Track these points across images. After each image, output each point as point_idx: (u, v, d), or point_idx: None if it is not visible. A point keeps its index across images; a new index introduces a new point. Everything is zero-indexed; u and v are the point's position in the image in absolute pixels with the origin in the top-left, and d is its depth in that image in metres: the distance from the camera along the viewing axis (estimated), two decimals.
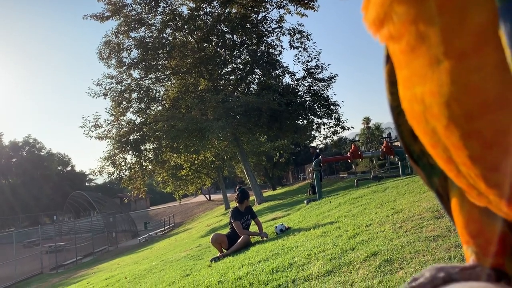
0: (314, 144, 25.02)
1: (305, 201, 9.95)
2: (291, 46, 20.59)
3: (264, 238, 5.97)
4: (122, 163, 20.72)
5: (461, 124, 0.32)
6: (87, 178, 62.89)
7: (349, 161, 12.28)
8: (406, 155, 0.48)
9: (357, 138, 38.58)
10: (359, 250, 3.42)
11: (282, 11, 20.29)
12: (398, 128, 0.46)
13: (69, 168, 63.19)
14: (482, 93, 0.31)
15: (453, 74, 0.32)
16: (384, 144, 10.11)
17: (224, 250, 5.89)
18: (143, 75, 20.86)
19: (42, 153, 58.47)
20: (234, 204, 6.46)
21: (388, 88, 0.44)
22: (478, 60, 0.31)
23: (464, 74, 0.31)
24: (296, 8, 19.78)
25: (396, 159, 10.68)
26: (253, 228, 6.60)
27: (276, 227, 6.30)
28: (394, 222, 4.08)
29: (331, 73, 20.88)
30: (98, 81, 20.31)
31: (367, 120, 59.22)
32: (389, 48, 0.39)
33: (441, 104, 0.33)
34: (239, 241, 5.81)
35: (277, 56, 20.97)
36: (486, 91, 0.30)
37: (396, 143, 16.56)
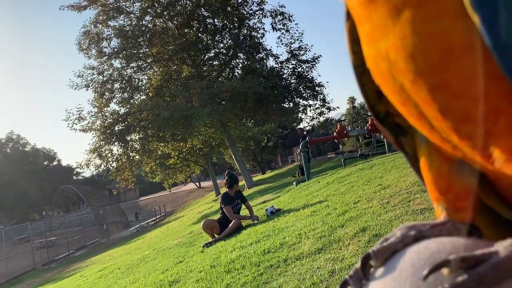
0: (301, 126, 25.07)
1: (294, 183, 10.02)
2: (274, 28, 20.44)
3: (255, 221, 6.00)
4: (109, 155, 20.52)
5: (427, 77, 0.31)
6: (75, 172, 62.35)
7: (336, 141, 12.35)
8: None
9: (343, 118, 38.75)
10: (348, 227, 3.46)
11: None
12: (362, 88, 0.44)
13: (55, 163, 62.51)
14: (445, 42, 0.29)
15: (414, 24, 0.30)
16: (369, 122, 10.18)
17: (216, 235, 5.92)
18: (124, 65, 20.56)
19: (26, 149, 57.67)
20: (224, 190, 6.48)
21: (350, 47, 0.42)
22: (437, 6, 0.29)
23: (425, 23, 0.30)
24: None
25: (382, 136, 10.78)
26: (244, 212, 6.63)
27: (266, 209, 6.34)
28: (381, 198, 4.13)
29: (315, 54, 20.84)
30: (79, 72, 19.96)
31: (352, 99, 59.56)
32: (348, 2, 0.38)
33: (406, 58, 0.32)
34: (230, 225, 5.84)
35: (260, 39, 20.83)
36: (448, 39, 0.29)
37: None
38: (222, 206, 6.18)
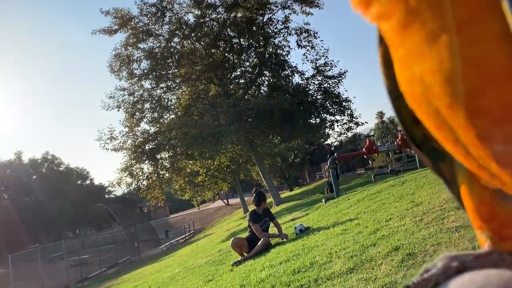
0: (328, 141, 24.88)
1: (323, 200, 9.90)
2: (299, 46, 20.57)
3: (284, 240, 5.95)
4: (139, 173, 20.95)
5: (466, 102, 0.30)
6: (106, 190, 63.64)
7: (365, 156, 12.19)
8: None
9: (372, 133, 38.25)
10: (380, 245, 3.38)
11: (287, 11, 20.30)
12: (398, 112, 0.43)
13: (88, 182, 64.05)
14: (486, 66, 0.28)
15: (453, 48, 0.29)
16: (399, 137, 10.01)
17: (245, 253, 5.90)
18: (154, 85, 21.10)
19: (61, 169, 59.42)
20: (252, 207, 6.46)
21: (384, 71, 0.41)
22: (478, 30, 0.28)
23: (464, 47, 0.29)
24: (301, 7, 19.76)
25: (413, 152, 10.56)
26: (272, 230, 6.59)
27: (295, 227, 6.28)
28: (414, 215, 4.03)
29: (341, 69, 20.77)
30: (111, 94, 20.65)
31: (380, 114, 58.78)
32: (381, 28, 0.37)
33: (442, 82, 0.30)
34: (259, 243, 5.81)
35: (285, 56, 20.99)
36: (490, 63, 0.28)
37: None
38: (251, 224, 6.16)
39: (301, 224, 6.35)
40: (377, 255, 3.14)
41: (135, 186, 21.65)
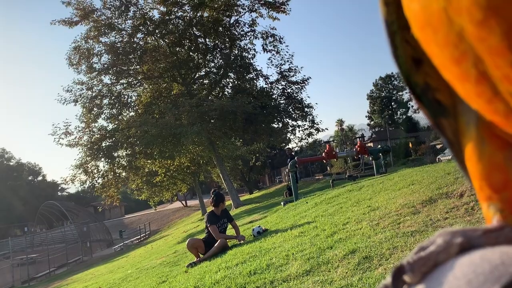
0: (290, 146, 25.10)
1: (282, 203, 9.92)
2: (264, 50, 20.62)
3: (241, 241, 5.88)
4: (95, 171, 20.24)
5: (506, 13, 0.22)
6: (59, 188, 61.34)
7: (324, 161, 12.35)
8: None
9: (331, 140, 38.96)
10: (337, 248, 3.38)
11: (254, 14, 20.31)
12: (395, 53, 0.34)
13: (40, 178, 61.48)
14: None
15: None
16: (358, 144, 10.21)
17: (201, 255, 5.78)
18: (114, 81, 20.47)
19: (11, 163, 56.72)
20: (210, 209, 6.36)
21: None
22: None
23: None
24: (268, 12, 19.83)
25: (370, 159, 10.80)
26: (230, 232, 6.51)
27: (253, 229, 6.23)
28: (371, 220, 4.07)
29: (304, 75, 21.06)
30: (68, 87, 19.80)
31: (340, 122, 60.10)
32: None
33: None
34: (216, 245, 5.71)
35: (251, 59, 20.97)
36: None
37: (369, 144, 16.73)
38: (208, 225, 6.05)
39: (259, 226, 6.30)
40: (334, 258, 3.13)
41: (90, 184, 20.91)
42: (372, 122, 61.66)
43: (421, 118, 58.98)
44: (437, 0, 0.25)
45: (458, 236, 0.29)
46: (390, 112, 57.99)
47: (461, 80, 0.28)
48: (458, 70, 0.27)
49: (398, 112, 59.36)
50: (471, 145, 0.34)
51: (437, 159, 16.91)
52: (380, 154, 10.46)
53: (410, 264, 0.28)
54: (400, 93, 59.49)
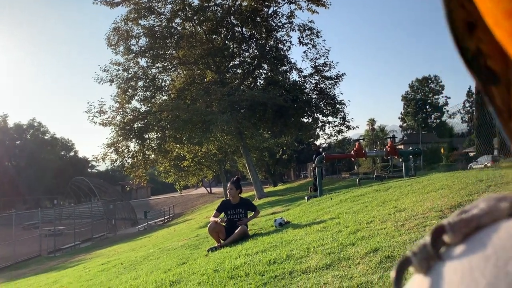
0: (317, 142, 24.92)
1: (306, 197, 9.89)
2: (300, 43, 20.46)
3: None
4: (125, 151, 20.72)
5: None
6: (90, 165, 63.00)
7: (353, 159, 12.20)
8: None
9: (361, 138, 38.41)
10: (359, 245, 3.35)
11: (293, 6, 20.16)
12: (449, 16, 0.32)
13: (72, 154, 63.35)
14: None
15: None
16: (389, 144, 10.02)
17: (221, 240, 5.83)
18: (150, 64, 20.81)
19: (46, 137, 58.66)
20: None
21: None
22: None
23: None
24: (308, 5, 19.63)
25: (400, 160, 10.59)
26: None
27: (275, 220, 6.24)
28: (396, 220, 4.00)
29: (339, 71, 20.76)
30: (105, 67, 20.29)
31: (372, 121, 59.07)
32: None
33: None
34: (236, 231, 5.74)
35: (286, 51, 20.88)
36: None
37: (399, 146, 16.41)
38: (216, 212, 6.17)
39: (282, 218, 6.31)
40: (355, 255, 3.10)
41: (120, 163, 21.42)
42: (404, 124, 60.27)
43: (456, 123, 57.28)
44: None
45: (503, 201, 0.28)
46: (424, 115, 56.50)
47: None
48: (510, 24, 0.26)
49: (432, 116, 57.78)
50: None
51: (468, 167, 16.42)
52: (411, 156, 10.24)
53: (451, 224, 0.27)
54: (436, 97, 57.84)
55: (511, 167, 6.48)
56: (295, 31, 20.59)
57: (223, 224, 6.11)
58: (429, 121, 56.73)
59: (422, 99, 57.16)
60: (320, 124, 20.68)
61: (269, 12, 20.48)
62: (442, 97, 58.29)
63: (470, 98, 50.38)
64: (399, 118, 61.08)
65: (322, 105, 20.18)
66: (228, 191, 6.23)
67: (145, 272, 5.09)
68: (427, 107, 57.19)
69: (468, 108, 54.38)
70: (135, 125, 19.80)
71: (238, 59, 21.55)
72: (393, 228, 3.72)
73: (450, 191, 4.73)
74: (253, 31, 20.82)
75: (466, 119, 56.15)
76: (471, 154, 26.78)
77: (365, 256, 3.00)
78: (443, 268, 0.25)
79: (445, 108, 56.19)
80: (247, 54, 21.56)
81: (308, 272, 2.99)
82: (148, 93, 20.74)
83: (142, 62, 20.85)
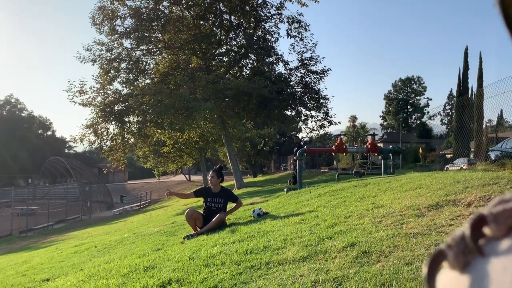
0: (299, 136, 25.01)
1: (285, 190, 9.91)
2: (288, 35, 20.36)
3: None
4: (104, 133, 20.39)
5: None
6: (67, 145, 61.97)
7: (333, 154, 12.28)
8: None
9: (343, 133, 38.74)
10: (336, 239, 3.35)
11: None
12: (501, 2, 0.30)
13: (49, 133, 62.14)
14: None
15: None
16: (369, 141, 10.10)
17: (198, 228, 5.79)
18: (134, 46, 20.40)
19: (23, 114, 57.29)
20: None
21: None
22: None
23: None
24: None
25: (380, 158, 10.70)
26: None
27: (254, 210, 6.22)
28: (374, 216, 4.02)
29: (325, 66, 20.78)
30: (88, 46, 19.77)
31: (353, 118, 59.72)
32: None
33: None
34: (214, 219, 5.70)
35: (273, 43, 20.73)
36: None
37: (379, 144, 16.60)
38: (193, 193, 6.25)
39: (260, 209, 6.29)
40: (332, 248, 3.10)
41: (98, 146, 21.08)
42: (385, 123, 61.12)
43: (435, 125, 58.31)
44: None
45: None
46: (405, 115, 57.34)
47: None
48: None
49: (413, 117, 58.68)
50: None
51: (445, 168, 16.75)
52: (390, 154, 10.35)
53: (493, 215, 0.23)
54: (418, 98, 58.73)
55: (487, 170, 6.61)
56: (284, 23, 20.47)
57: (201, 211, 6.07)
58: (409, 121, 57.62)
59: (404, 99, 57.97)
60: (303, 118, 20.71)
61: (259, 2, 20.30)
62: (424, 98, 59.24)
63: (451, 101, 51.27)
64: (380, 116, 61.91)
65: (306, 99, 20.20)
66: (209, 179, 6.17)
67: (119, 256, 5.01)
68: (409, 107, 58.05)
69: (448, 111, 55.43)
70: (116, 107, 19.46)
71: (225, 47, 21.33)
72: (370, 224, 3.74)
73: (428, 191, 4.78)
74: (242, 20, 20.61)
75: (446, 121, 57.27)
76: (448, 156, 27.32)
77: (342, 250, 3.00)
78: (486, 265, 0.22)
79: (426, 109, 57.12)
80: (234, 42, 21.37)
81: (285, 264, 2.97)
82: (130, 75, 20.36)
83: (127, 43, 20.43)
